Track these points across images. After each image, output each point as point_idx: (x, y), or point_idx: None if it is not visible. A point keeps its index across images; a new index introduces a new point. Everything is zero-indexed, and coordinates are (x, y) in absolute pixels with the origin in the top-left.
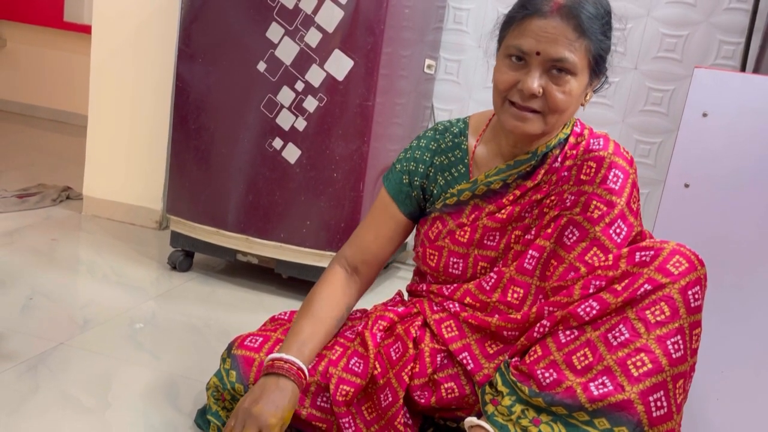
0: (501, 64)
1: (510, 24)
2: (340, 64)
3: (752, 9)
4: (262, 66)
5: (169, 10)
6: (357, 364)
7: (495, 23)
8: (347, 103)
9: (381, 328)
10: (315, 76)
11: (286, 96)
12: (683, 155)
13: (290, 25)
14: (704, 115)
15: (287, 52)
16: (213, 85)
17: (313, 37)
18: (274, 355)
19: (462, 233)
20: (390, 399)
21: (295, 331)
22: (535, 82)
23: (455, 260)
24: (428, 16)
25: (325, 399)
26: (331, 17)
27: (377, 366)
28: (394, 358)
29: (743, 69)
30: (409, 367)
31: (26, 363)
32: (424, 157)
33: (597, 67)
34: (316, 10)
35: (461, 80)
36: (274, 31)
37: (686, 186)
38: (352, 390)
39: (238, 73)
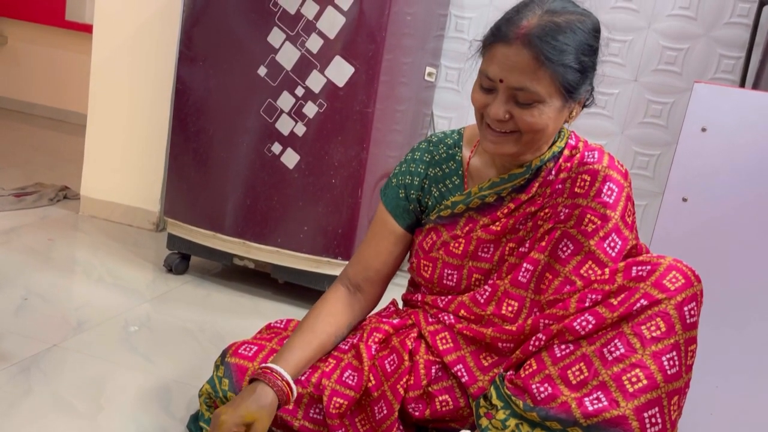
0: (476, 84)
1: (483, 48)
2: (340, 71)
3: (753, 24)
4: (262, 70)
5: (171, 12)
6: (351, 377)
7: (474, 46)
8: (347, 109)
9: (376, 340)
10: (315, 81)
11: (286, 101)
12: (682, 169)
13: (292, 30)
14: (703, 129)
15: (288, 57)
16: (213, 88)
17: (314, 43)
18: (260, 365)
19: (456, 245)
20: (385, 412)
21: (286, 343)
22: (500, 109)
23: (449, 272)
24: (430, 23)
25: (317, 411)
26: (332, 23)
27: (372, 378)
28: (389, 370)
29: (743, 84)
30: (404, 380)
31: (19, 364)
32: (419, 170)
33: (569, 92)
34: (317, 16)
35: (461, 88)
36: (276, 36)
37: (684, 200)
38: (346, 402)
39: (239, 76)
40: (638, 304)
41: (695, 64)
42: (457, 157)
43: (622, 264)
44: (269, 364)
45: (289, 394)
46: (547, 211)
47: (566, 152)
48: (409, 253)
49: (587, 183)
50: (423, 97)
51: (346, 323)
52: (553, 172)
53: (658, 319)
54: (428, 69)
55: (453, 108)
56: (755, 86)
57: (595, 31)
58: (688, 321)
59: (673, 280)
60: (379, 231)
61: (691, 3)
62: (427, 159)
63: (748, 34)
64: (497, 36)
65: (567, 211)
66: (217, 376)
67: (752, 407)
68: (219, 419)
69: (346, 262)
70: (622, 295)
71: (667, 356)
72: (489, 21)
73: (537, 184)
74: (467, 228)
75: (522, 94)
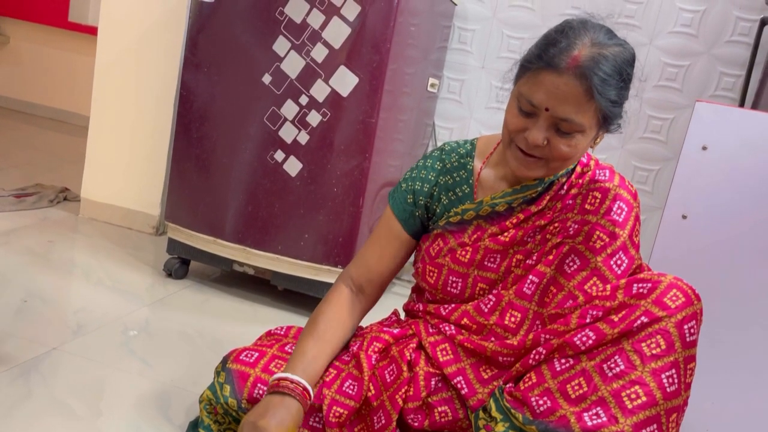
0: (512, 106)
1: (525, 71)
2: (345, 81)
3: (754, 43)
4: (267, 78)
5: (176, 17)
6: (351, 387)
7: (514, 63)
8: (350, 118)
9: (376, 349)
10: (320, 91)
11: (289, 109)
12: (682, 187)
13: (297, 39)
14: (704, 148)
15: (293, 66)
16: (217, 94)
17: (319, 53)
18: (280, 374)
19: (463, 253)
20: (383, 422)
21: (300, 350)
22: (540, 135)
23: (454, 279)
24: (433, 35)
25: (317, 419)
26: (338, 34)
27: (371, 388)
28: (388, 380)
29: (743, 102)
30: (403, 390)
31: (19, 367)
32: (429, 177)
33: (607, 124)
34: (323, 26)
35: (463, 99)
36: (281, 45)
37: (684, 217)
38: (346, 412)
39: (243, 84)
40: (639, 321)
41: (696, 81)
42: (468, 167)
43: (623, 281)
44: (296, 377)
45: (308, 403)
46: (556, 225)
47: (578, 169)
48: (414, 258)
49: (598, 200)
50: (425, 108)
51: (351, 327)
52: (565, 187)
53: (659, 336)
54: (431, 80)
55: (454, 119)
56: (755, 105)
57: (633, 62)
58: (687, 339)
59: (674, 298)
60: (385, 235)
61: (692, 20)
62: (439, 167)
63: (748, 52)
64: (545, 61)
65: (576, 226)
66: (218, 383)
67: (747, 424)
68: (256, 425)
69: None
70: (623, 312)
71: (667, 374)
72: (492, 33)
73: (548, 197)
74: (475, 236)
75: (566, 124)
